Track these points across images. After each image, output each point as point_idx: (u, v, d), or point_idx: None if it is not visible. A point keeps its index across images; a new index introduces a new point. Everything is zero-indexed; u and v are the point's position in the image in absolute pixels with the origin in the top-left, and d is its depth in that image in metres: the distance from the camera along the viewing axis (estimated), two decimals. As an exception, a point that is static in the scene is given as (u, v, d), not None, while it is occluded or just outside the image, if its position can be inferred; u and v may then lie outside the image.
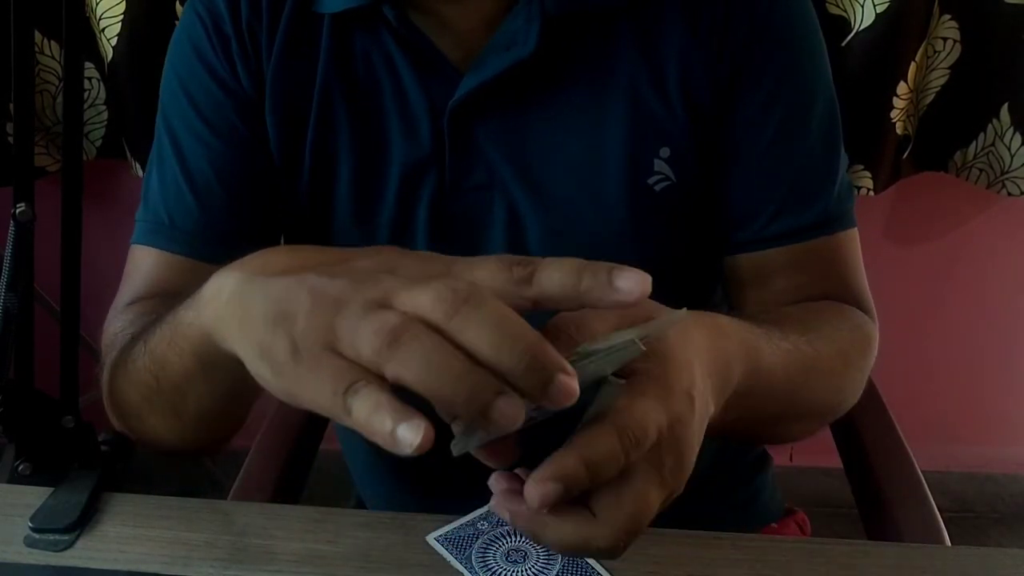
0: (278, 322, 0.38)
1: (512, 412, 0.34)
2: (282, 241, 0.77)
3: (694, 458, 0.42)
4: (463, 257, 0.40)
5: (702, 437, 0.43)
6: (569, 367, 0.35)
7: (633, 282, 0.38)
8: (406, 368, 0.34)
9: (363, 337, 0.35)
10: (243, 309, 0.41)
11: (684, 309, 0.42)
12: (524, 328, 0.35)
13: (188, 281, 0.70)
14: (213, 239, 0.71)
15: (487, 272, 0.38)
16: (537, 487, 0.38)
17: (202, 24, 0.71)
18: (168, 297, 0.68)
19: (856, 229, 0.74)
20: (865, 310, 0.73)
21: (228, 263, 0.71)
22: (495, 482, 0.42)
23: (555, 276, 0.37)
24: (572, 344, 0.40)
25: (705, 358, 0.45)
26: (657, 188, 0.69)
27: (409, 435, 0.34)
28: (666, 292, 0.74)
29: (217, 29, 0.70)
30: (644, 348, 0.40)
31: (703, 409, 0.44)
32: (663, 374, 0.42)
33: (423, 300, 0.35)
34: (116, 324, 0.68)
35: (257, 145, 0.71)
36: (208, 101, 0.71)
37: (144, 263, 0.73)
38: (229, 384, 0.49)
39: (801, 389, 0.59)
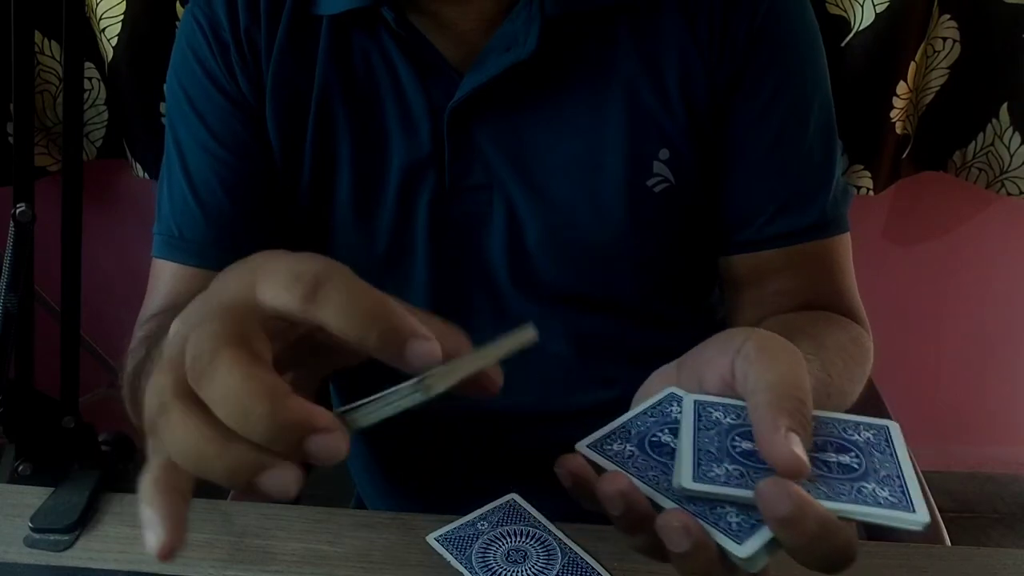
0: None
1: (283, 485, 0.32)
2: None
3: None
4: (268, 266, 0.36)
5: None
6: (324, 420, 0.32)
7: (424, 356, 0.34)
8: (171, 453, 0.33)
9: (149, 405, 0.34)
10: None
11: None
12: (264, 386, 0.32)
13: (200, 292, 0.70)
14: (221, 248, 0.72)
15: (273, 288, 0.35)
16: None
17: (201, 31, 0.71)
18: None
19: (849, 234, 0.74)
20: (857, 319, 0.73)
21: None
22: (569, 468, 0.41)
23: (336, 313, 0.33)
24: None
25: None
26: (656, 190, 0.69)
27: (150, 539, 0.33)
28: (664, 293, 0.75)
29: (216, 36, 0.70)
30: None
31: None
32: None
33: (184, 364, 0.33)
34: (138, 338, 0.68)
35: (260, 151, 0.71)
36: (211, 109, 0.71)
37: (162, 277, 0.73)
38: None
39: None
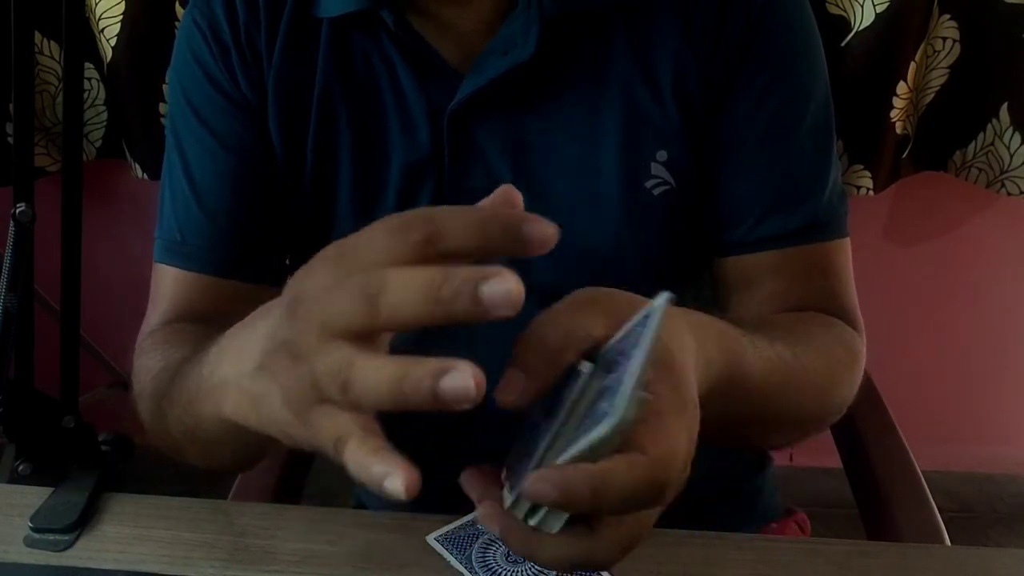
0: (284, 402, 0.40)
1: (464, 384, 0.34)
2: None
3: (689, 467, 0.42)
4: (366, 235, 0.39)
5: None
6: (489, 269, 0.34)
7: (545, 232, 0.36)
8: (371, 400, 0.35)
9: (328, 380, 0.36)
10: (252, 399, 0.43)
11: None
12: (437, 268, 0.34)
13: (205, 298, 0.71)
14: (224, 252, 0.72)
15: (381, 249, 0.37)
16: (536, 484, 0.37)
17: (201, 33, 0.70)
18: (191, 324, 0.70)
19: (848, 239, 0.73)
20: (852, 324, 0.71)
21: (238, 274, 0.71)
22: (469, 485, 0.42)
23: (459, 235, 0.36)
24: (556, 366, 0.40)
25: (692, 360, 0.45)
26: (655, 192, 0.69)
27: (393, 488, 0.35)
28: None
29: (216, 38, 0.70)
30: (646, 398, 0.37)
31: (698, 414, 0.43)
32: (674, 385, 0.41)
33: (348, 317, 0.36)
34: (145, 348, 0.68)
35: (262, 153, 0.71)
36: (212, 112, 0.71)
37: (165, 283, 0.73)
38: (260, 439, 0.49)
39: (780, 399, 0.58)
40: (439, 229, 0.35)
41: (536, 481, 0.37)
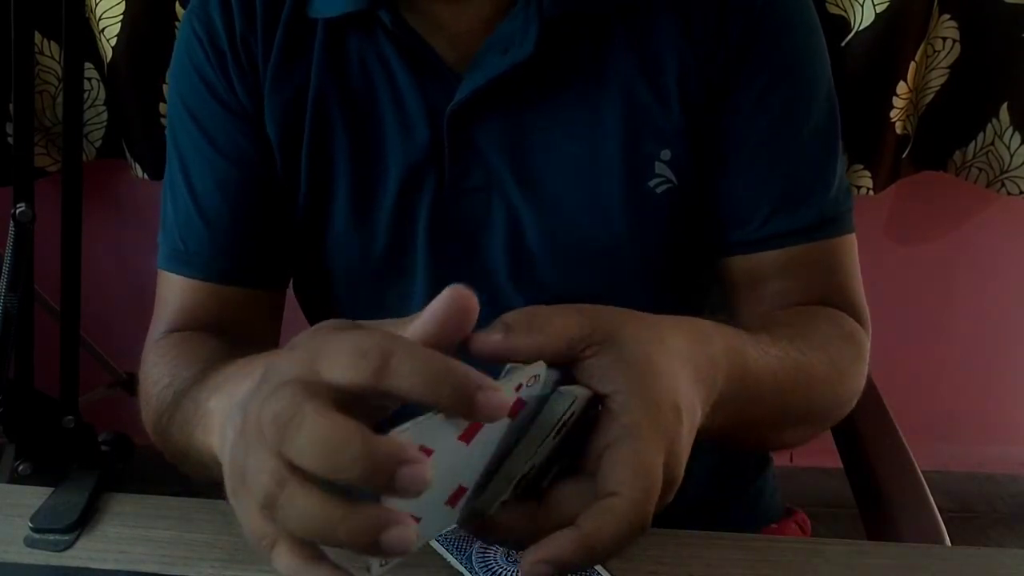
0: (229, 465, 0.39)
1: (403, 540, 0.33)
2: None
3: (683, 470, 0.42)
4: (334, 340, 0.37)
5: (690, 447, 0.43)
6: (411, 452, 0.33)
7: (498, 406, 0.35)
8: (295, 530, 0.35)
9: (253, 498, 0.36)
10: (222, 440, 0.44)
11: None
12: (351, 427, 0.33)
13: (209, 304, 0.72)
14: (226, 260, 0.72)
15: (340, 367, 0.36)
16: (533, 568, 0.38)
17: (199, 41, 0.70)
18: (198, 333, 0.70)
19: (854, 235, 0.73)
20: (859, 319, 0.71)
21: (240, 281, 0.72)
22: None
23: (408, 383, 0.35)
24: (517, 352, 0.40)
25: (690, 365, 0.44)
26: (658, 191, 0.69)
27: None
28: (664, 294, 0.74)
29: (213, 45, 0.70)
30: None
31: (691, 420, 0.43)
32: (646, 390, 0.40)
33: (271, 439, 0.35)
34: (153, 358, 0.69)
35: (261, 161, 0.71)
36: (211, 120, 0.71)
37: (170, 290, 0.74)
38: None
39: (791, 396, 0.58)
40: (392, 369, 0.35)
41: (532, 567, 0.38)
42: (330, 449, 0.33)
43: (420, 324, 0.38)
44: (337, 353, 0.36)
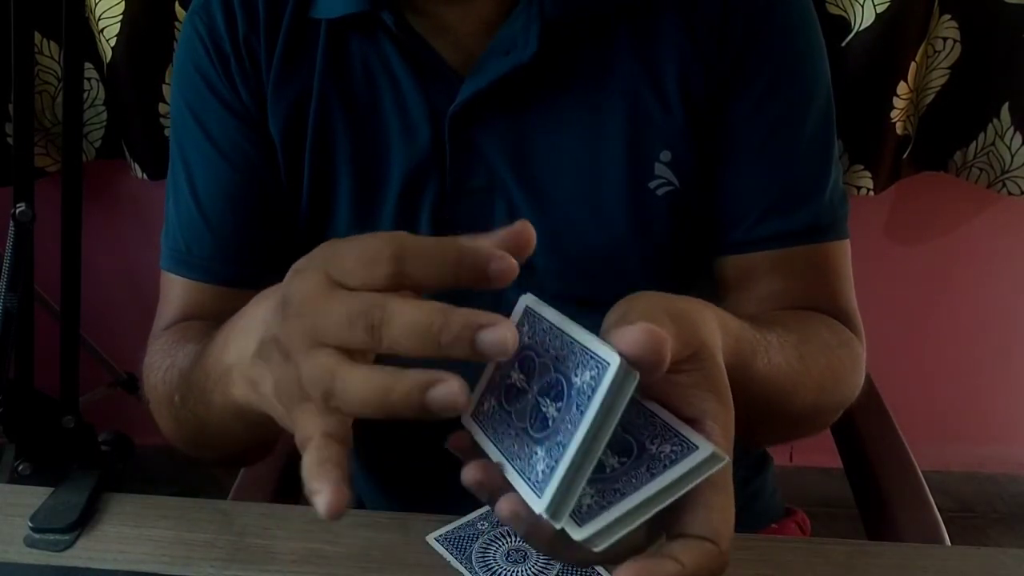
0: (274, 391, 0.42)
1: (451, 395, 0.35)
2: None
3: None
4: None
5: None
6: (488, 316, 0.35)
7: (509, 267, 0.38)
8: (354, 405, 0.37)
9: (312, 385, 0.38)
10: (251, 383, 0.46)
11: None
12: (431, 305, 0.36)
13: (212, 305, 0.72)
14: (228, 263, 0.72)
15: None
16: None
17: (202, 43, 0.70)
18: (197, 321, 0.71)
19: (848, 241, 0.72)
20: (852, 327, 0.71)
21: (243, 283, 0.72)
22: (474, 482, 0.41)
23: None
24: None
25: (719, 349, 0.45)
26: (659, 192, 0.69)
27: (317, 506, 0.36)
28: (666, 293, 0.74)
29: (217, 48, 0.70)
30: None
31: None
32: (729, 427, 0.42)
33: (345, 336, 0.37)
34: (154, 349, 0.69)
35: (264, 163, 0.71)
36: (214, 121, 0.71)
37: (172, 290, 0.74)
38: (266, 426, 0.50)
39: (785, 403, 0.58)
40: (404, 271, 0.37)
41: None
42: (421, 327, 0.36)
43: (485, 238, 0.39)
44: (348, 261, 0.38)
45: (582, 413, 0.36)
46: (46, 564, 0.62)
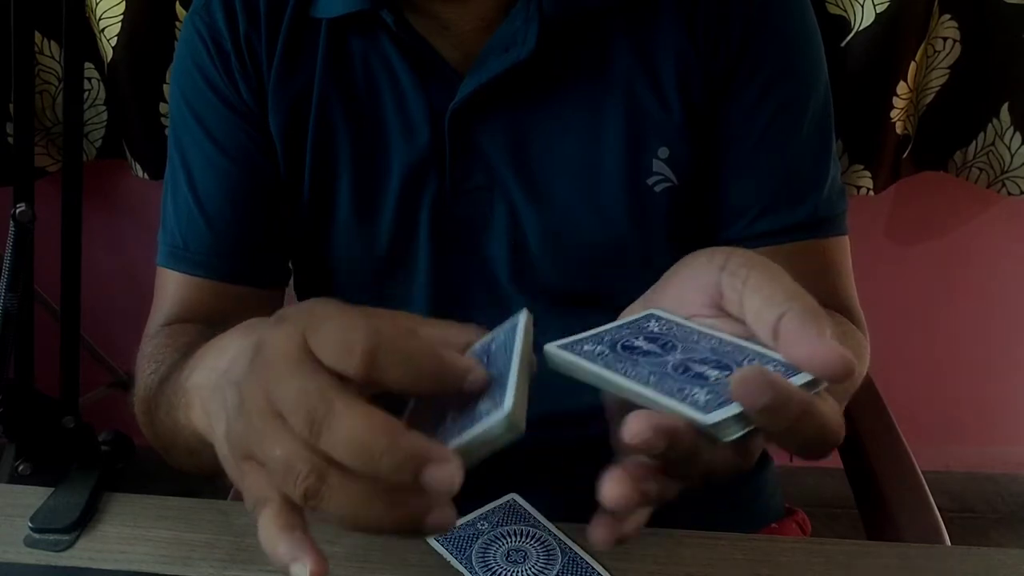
0: (225, 434, 0.40)
1: (445, 522, 0.35)
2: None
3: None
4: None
5: None
6: (439, 452, 0.34)
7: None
8: (337, 519, 0.35)
9: (278, 478, 0.36)
10: (208, 414, 0.44)
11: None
12: (381, 422, 0.34)
13: (208, 301, 0.72)
14: (227, 259, 0.72)
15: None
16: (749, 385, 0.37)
17: (203, 42, 0.70)
18: (192, 324, 0.71)
19: (847, 237, 0.73)
20: (855, 321, 0.72)
21: (241, 279, 0.73)
22: (643, 423, 0.39)
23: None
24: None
25: None
26: (657, 189, 0.69)
27: (301, 572, 0.35)
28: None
29: (217, 46, 0.70)
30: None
31: None
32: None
33: (291, 417, 0.35)
34: (144, 352, 0.69)
35: (264, 160, 0.71)
36: (214, 120, 0.71)
37: (168, 286, 0.74)
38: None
39: None
40: (375, 370, 0.35)
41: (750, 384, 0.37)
42: (363, 444, 0.33)
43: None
44: (326, 342, 0.36)
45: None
46: (46, 564, 0.62)
